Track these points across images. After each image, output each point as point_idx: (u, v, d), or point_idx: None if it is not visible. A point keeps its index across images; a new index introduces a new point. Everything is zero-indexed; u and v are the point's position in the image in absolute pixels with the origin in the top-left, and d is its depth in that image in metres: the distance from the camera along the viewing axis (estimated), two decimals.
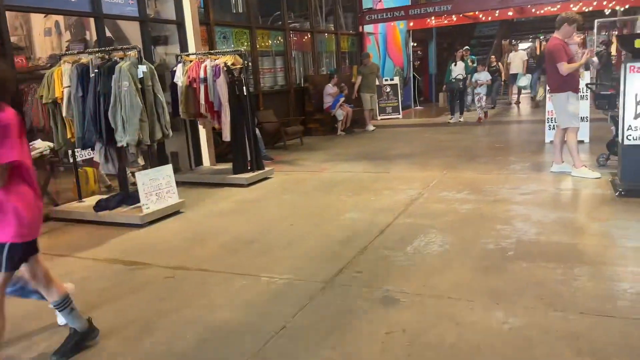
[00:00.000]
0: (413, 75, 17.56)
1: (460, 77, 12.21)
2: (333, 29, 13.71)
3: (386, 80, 14.35)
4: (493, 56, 15.36)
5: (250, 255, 4.08)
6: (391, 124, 13.20)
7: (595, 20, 15.16)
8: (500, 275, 3.34)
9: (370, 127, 12.05)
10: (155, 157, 6.17)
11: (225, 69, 6.53)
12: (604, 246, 3.73)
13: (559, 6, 13.95)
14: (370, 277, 3.44)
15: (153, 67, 5.55)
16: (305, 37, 12.54)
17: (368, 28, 14.70)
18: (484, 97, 12.16)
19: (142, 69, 5.31)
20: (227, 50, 7.46)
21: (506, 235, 4.10)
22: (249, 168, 6.90)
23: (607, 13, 15.40)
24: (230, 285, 3.49)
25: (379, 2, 15.17)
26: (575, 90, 5.91)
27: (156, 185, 5.39)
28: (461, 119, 12.32)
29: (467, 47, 14.26)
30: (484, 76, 12.22)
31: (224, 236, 4.64)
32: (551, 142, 8.04)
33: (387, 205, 5.27)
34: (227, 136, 6.70)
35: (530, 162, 7.01)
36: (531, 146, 8.20)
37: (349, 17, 14.64)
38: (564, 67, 5.69)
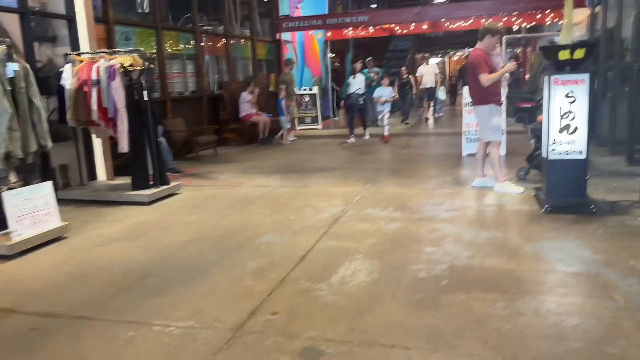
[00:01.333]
0: (332, 85, 17.36)
1: (360, 91, 10.80)
2: (249, 34, 13.10)
3: (305, 89, 13.96)
4: (404, 68, 14.75)
5: (143, 295, 3.36)
6: (311, 134, 12.79)
7: (503, 37, 15.79)
8: (437, 312, 2.90)
9: (291, 138, 11.54)
10: (35, 171, 5.21)
11: (122, 70, 5.71)
12: (542, 272, 3.44)
13: (471, 21, 14.36)
14: (288, 321, 2.87)
15: (28, 67, 4.65)
16: (220, 42, 11.82)
17: (286, 36, 14.25)
18: (388, 115, 10.75)
19: (13, 67, 4.41)
20: (125, 49, 6.58)
21: (438, 260, 3.71)
22: (151, 183, 6.09)
23: (514, 30, 16.11)
24: (112, 339, 2.76)
25: (297, 9, 14.80)
26: (498, 102, 5.76)
27: (32, 207, 4.47)
28: (366, 137, 11.06)
29: (369, 58, 13.70)
30: (387, 93, 10.83)
31: (113, 269, 3.86)
32: (469, 155, 8.04)
33: (308, 226, 4.75)
34: (123, 147, 5.86)
35: (451, 176, 6.82)
36: (450, 159, 8.08)
37: (266, 24, 14.13)
38: (484, 78, 5.52)
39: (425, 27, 15.78)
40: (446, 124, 14.18)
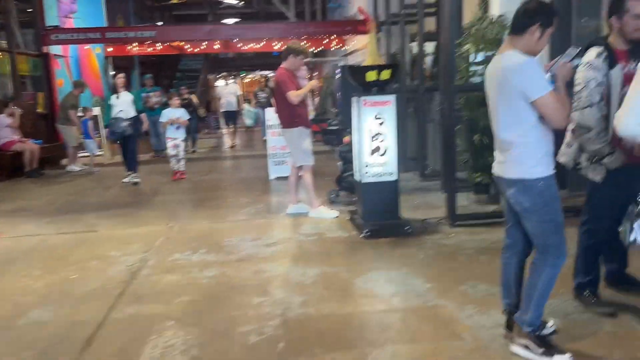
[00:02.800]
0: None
1: (124, 114, 7.96)
2: (7, 46, 10.86)
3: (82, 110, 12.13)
4: (184, 88, 12.17)
5: None
6: (96, 162, 11.09)
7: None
8: None
9: (76, 167, 9.75)
10: None
11: None
12: (382, 312, 3.12)
13: (263, 43, 14.40)
14: None
15: None
16: None
17: (56, 50, 12.24)
18: (183, 145, 8.40)
19: None
20: None
21: (268, 314, 3.13)
22: None
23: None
24: None
25: (68, 19, 12.90)
26: (307, 125, 5.50)
27: None
28: (137, 180, 7.96)
29: (149, 75, 11.71)
30: (180, 113, 8.27)
31: None
32: (278, 178, 7.73)
33: (97, 288, 3.71)
34: None
35: (263, 204, 6.37)
36: (259, 184, 7.64)
37: (30, 35, 11.95)
38: (293, 95, 5.22)
39: (217, 46, 15.33)
40: (250, 145, 13.85)
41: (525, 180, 2.44)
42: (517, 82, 2.36)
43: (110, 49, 14.95)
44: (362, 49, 13.08)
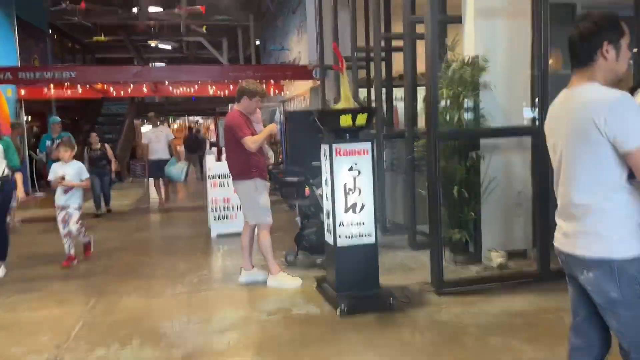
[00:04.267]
0: (29, 153, 13.93)
1: None
2: None
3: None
4: (94, 134, 9.57)
5: None
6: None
7: (230, 104, 15.50)
8: None
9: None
10: None
11: None
12: None
13: (196, 86, 13.54)
14: None
15: None
16: None
17: None
18: (77, 215, 5.62)
19: None
20: None
21: None
22: None
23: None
24: None
25: None
26: (264, 176, 4.68)
27: None
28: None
29: (56, 118, 9.96)
30: (73, 170, 5.61)
31: None
32: (221, 236, 6.77)
33: None
34: None
35: (207, 270, 5.38)
36: (199, 244, 6.60)
37: None
38: (249, 141, 4.42)
39: (145, 90, 14.22)
40: (184, 194, 12.64)
41: (613, 261, 1.77)
42: (604, 125, 1.72)
43: (23, 92, 13.42)
44: (301, 94, 12.59)
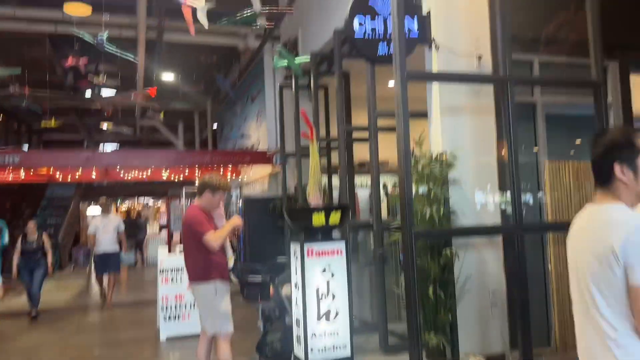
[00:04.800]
0: None
1: None
2: None
3: None
4: (32, 223, 8.46)
5: None
6: None
7: (184, 188, 15.06)
8: None
9: None
10: None
11: None
12: None
13: (149, 172, 13.12)
14: None
15: None
16: None
17: None
18: None
19: None
20: None
21: None
22: None
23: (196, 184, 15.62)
24: None
25: None
26: (225, 277, 4.27)
27: None
28: None
29: None
30: None
31: None
32: (171, 339, 6.13)
33: None
34: None
35: None
36: (146, 350, 5.93)
37: None
38: (212, 238, 4.06)
39: (94, 175, 13.65)
40: (129, 286, 11.72)
41: None
42: (620, 251, 1.56)
43: None
44: (259, 179, 12.40)
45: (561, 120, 5.53)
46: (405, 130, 3.79)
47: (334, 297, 3.64)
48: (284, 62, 6.09)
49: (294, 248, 3.71)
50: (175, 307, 6.46)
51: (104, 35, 6.05)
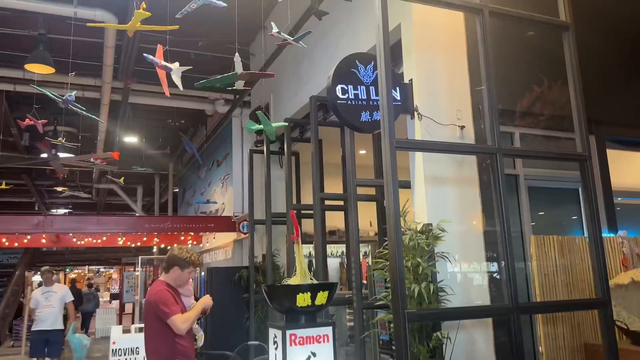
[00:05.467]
0: None
1: None
2: None
3: None
4: None
5: None
6: None
7: (140, 256, 14.26)
8: None
9: None
10: None
11: None
12: None
13: (104, 238, 12.38)
14: None
15: None
16: None
17: None
18: None
19: None
20: None
21: None
22: None
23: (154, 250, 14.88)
24: None
25: None
26: None
27: None
28: None
29: None
30: None
31: None
32: None
33: None
34: None
35: None
36: None
37: None
38: (179, 321, 3.59)
39: (44, 240, 12.75)
40: None
41: None
42: None
43: None
44: (222, 247, 11.84)
45: (542, 192, 5.46)
46: (395, 199, 3.53)
47: None
48: (258, 127, 5.88)
49: (274, 334, 3.29)
50: None
51: (72, 93, 5.73)
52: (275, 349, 3.26)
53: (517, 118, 5.23)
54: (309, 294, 3.20)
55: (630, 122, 5.68)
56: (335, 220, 8.92)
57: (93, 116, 6.33)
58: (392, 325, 4.85)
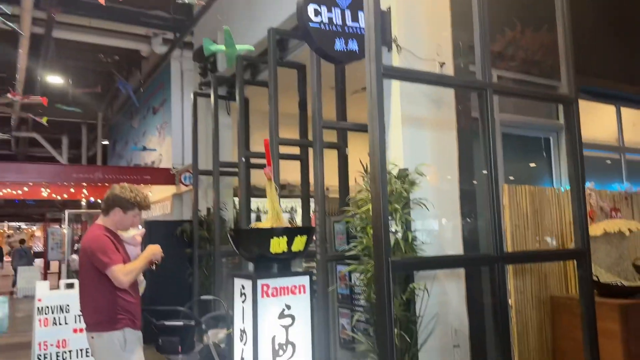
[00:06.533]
0: None
1: None
2: None
3: None
4: None
5: None
6: None
7: (66, 211, 13.12)
8: None
9: None
10: None
11: None
12: None
13: (26, 188, 11.18)
14: None
15: None
16: None
17: None
18: None
19: None
20: None
21: None
22: None
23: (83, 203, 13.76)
24: None
25: None
26: (136, 324, 3.20)
27: None
28: None
29: None
30: None
31: None
32: None
33: None
34: None
35: None
36: None
37: None
38: (120, 272, 3.01)
39: None
40: None
41: None
42: None
43: None
44: (159, 201, 11.03)
45: (513, 140, 5.22)
46: (380, 135, 3.07)
47: (294, 349, 2.76)
48: (218, 47, 5.18)
49: (242, 285, 2.78)
50: (57, 356, 5.12)
51: None
52: (243, 301, 2.76)
53: (495, 59, 4.89)
54: (284, 238, 2.70)
55: (601, 73, 5.51)
56: (284, 173, 8.42)
57: (13, 28, 5.34)
58: (355, 278, 4.51)
